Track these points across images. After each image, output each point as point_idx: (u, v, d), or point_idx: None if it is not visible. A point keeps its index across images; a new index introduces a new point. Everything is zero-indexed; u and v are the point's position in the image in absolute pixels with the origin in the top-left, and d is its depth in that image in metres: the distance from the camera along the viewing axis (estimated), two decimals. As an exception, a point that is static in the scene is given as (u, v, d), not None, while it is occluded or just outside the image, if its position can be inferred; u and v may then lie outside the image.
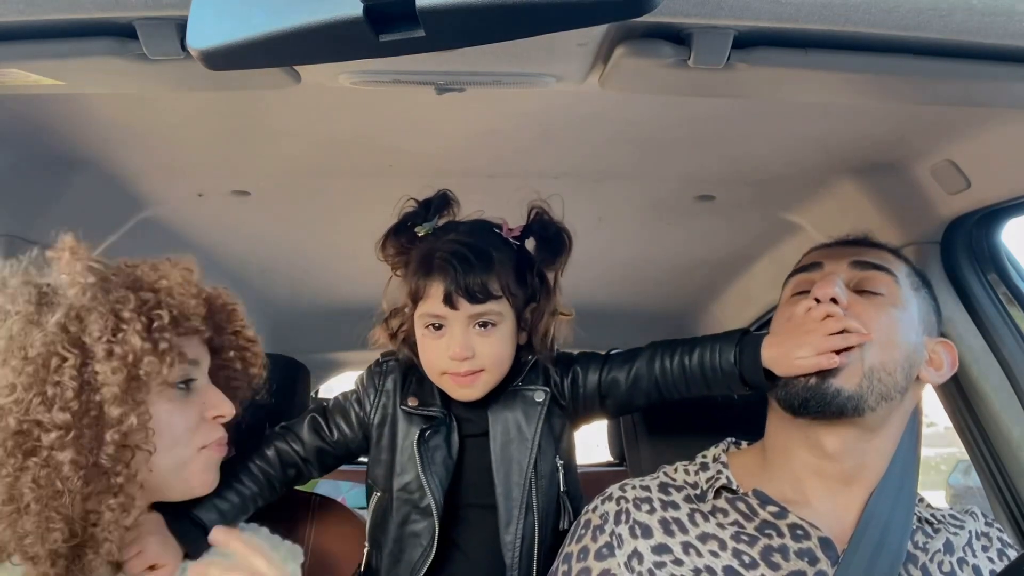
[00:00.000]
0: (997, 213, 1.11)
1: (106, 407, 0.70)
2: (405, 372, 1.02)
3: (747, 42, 0.63)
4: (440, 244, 0.95)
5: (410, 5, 0.40)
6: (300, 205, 1.36)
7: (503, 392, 0.99)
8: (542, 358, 1.01)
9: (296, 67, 0.70)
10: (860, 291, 0.87)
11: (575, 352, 1.07)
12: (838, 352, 0.81)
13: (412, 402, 0.99)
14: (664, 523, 0.86)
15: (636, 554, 0.84)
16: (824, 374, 0.82)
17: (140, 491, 0.75)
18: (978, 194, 1.05)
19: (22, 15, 0.58)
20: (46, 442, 0.67)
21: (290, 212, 1.39)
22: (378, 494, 1.01)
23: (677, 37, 0.63)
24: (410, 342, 1.01)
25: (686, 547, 0.84)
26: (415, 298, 0.95)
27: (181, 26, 0.58)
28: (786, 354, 0.85)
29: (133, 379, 0.72)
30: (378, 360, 1.06)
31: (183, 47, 0.59)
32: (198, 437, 0.82)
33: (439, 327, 0.94)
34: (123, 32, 0.61)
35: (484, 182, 1.22)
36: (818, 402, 0.83)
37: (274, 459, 1.00)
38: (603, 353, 1.04)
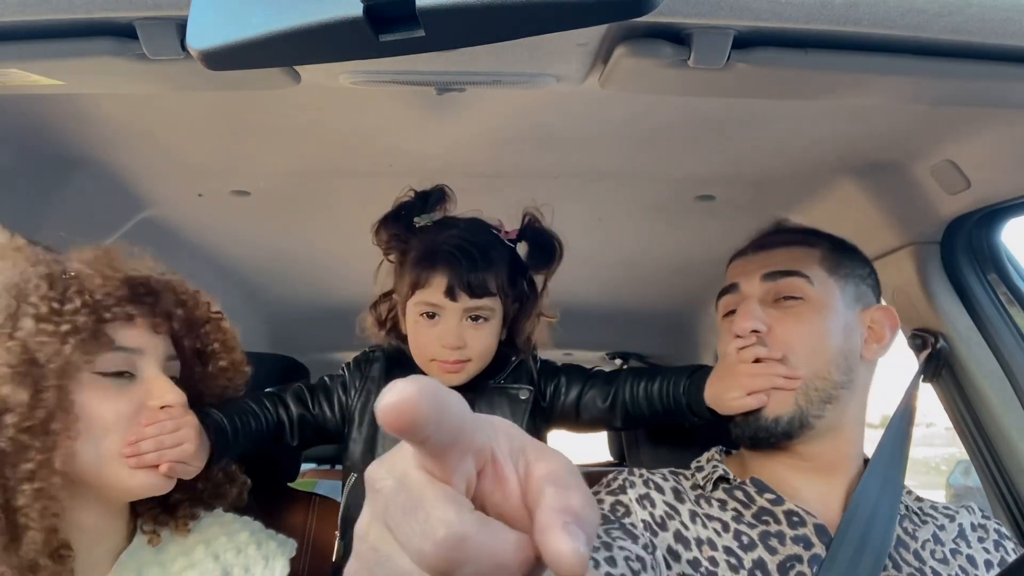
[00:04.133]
0: (997, 213, 1.11)
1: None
2: (390, 360, 1.07)
3: (747, 42, 0.63)
4: (444, 238, 0.98)
5: (410, 5, 0.40)
6: (300, 205, 1.36)
7: (486, 388, 1.03)
8: (526, 358, 1.06)
9: (296, 67, 0.70)
10: (779, 299, 0.91)
11: (559, 364, 1.12)
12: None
13: None
14: (676, 492, 0.89)
15: (648, 498, 0.87)
16: (756, 410, 0.88)
17: (62, 479, 0.73)
18: (978, 194, 1.05)
19: (22, 15, 0.58)
20: None
21: (290, 212, 1.39)
22: (354, 476, 1.03)
23: (677, 37, 0.63)
24: (397, 330, 1.05)
25: (693, 516, 0.86)
26: (415, 287, 0.98)
27: (181, 26, 0.59)
28: (720, 395, 0.91)
29: (29, 362, 0.71)
30: (365, 350, 1.10)
31: (183, 47, 0.60)
32: (135, 428, 0.79)
33: (433, 316, 0.98)
34: (123, 32, 0.61)
35: (484, 182, 1.22)
36: (764, 436, 0.88)
37: (265, 415, 1.02)
38: (587, 369, 1.10)
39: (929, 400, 1.17)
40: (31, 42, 0.62)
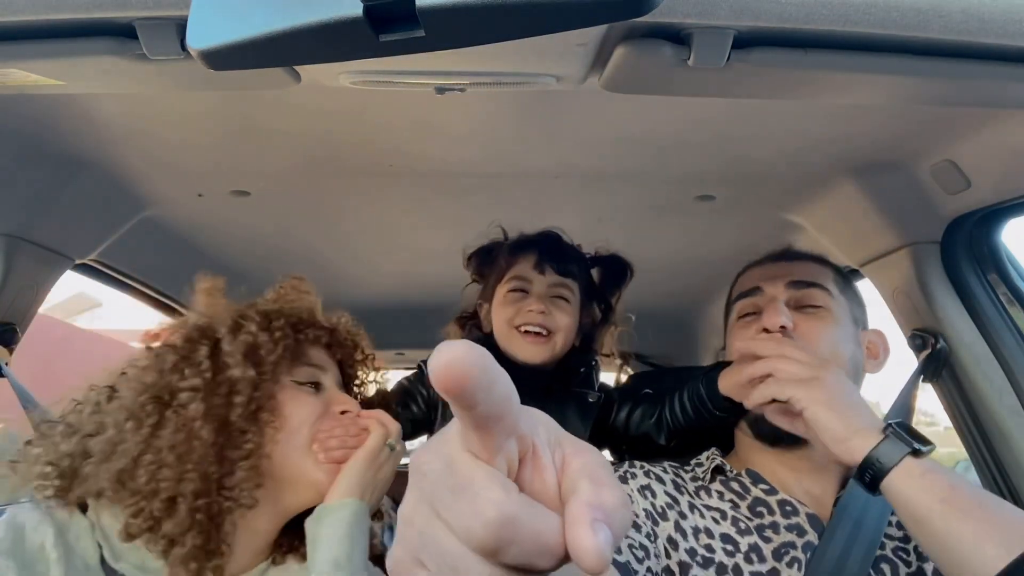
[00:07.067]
0: (997, 213, 1.11)
1: (230, 372, 0.83)
2: None
3: (747, 42, 0.63)
4: (531, 234, 1.18)
5: (410, 5, 0.40)
6: (300, 205, 1.36)
7: (557, 392, 1.10)
8: (596, 367, 1.17)
9: (296, 67, 0.70)
10: (800, 307, 0.95)
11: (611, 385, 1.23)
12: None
13: None
14: (676, 483, 0.92)
15: (650, 488, 0.89)
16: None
17: (265, 467, 0.82)
18: (978, 194, 1.05)
19: (22, 15, 0.58)
20: (180, 400, 0.80)
21: (290, 212, 1.39)
22: None
23: (677, 37, 0.63)
24: (479, 328, 1.19)
25: (691, 506, 0.89)
26: (507, 266, 1.14)
27: (181, 26, 0.59)
28: (737, 383, 0.92)
29: (252, 351, 0.85)
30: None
31: (183, 47, 0.60)
32: (318, 429, 0.89)
33: (521, 291, 1.13)
34: (123, 32, 0.61)
35: (484, 182, 1.22)
36: (785, 434, 0.87)
37: None
38: (636, 390, 1.19)
39: (929, 400, 1.17)
40: (31, 42, 0.62)
